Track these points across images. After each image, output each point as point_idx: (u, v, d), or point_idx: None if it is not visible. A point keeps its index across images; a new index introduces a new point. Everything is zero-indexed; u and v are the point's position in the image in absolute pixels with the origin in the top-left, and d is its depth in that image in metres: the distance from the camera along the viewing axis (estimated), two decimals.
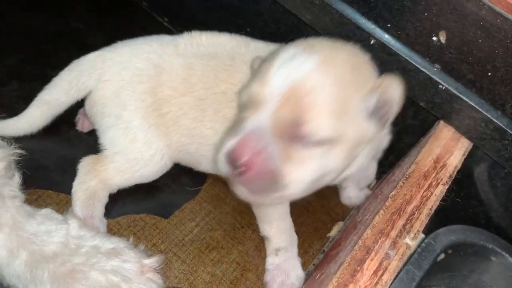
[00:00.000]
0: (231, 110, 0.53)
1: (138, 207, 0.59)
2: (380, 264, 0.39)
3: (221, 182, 0.62)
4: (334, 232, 0.62)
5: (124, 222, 0.57)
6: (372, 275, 0.38)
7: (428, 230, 0.48)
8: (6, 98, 0.63)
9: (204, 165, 0.58)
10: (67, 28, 0.73)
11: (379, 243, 0.40)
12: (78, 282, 0.48)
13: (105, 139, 0.56)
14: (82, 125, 0.62)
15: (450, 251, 0.52)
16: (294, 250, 0.56)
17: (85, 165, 0.56)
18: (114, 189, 0.57)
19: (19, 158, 0.53)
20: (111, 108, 0.55)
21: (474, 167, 0.55)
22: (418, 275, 0.46)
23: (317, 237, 0.61)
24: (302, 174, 0.40)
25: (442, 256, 0.51)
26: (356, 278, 0.38)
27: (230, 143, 0.40)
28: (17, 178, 0.52)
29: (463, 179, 0.54)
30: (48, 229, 0.50)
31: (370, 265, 0.39)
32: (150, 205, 0.59)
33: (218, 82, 0.54)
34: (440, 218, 0.50)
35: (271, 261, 0.55)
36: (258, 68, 0.45)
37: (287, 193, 0.40)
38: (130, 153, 0.55)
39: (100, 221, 0.55)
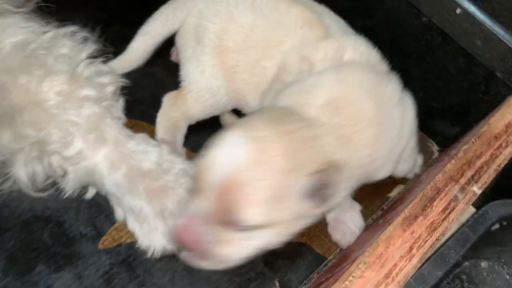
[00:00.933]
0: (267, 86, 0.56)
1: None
2: (449, 204, 0.43)
3: None
4: (394, 193, 0.66)
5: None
6: (440, 212, 0.42)
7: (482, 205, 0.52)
8: (110, 38, 0.70)
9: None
10: None
11: (449, 186, 0.43)
12: (167, 197, 0.55)
13: (184, 70, 0.64)
14: (176, 57, 0.69)
15: (505, 223, 0.55)
16: (349, 201, 0.59)
17: (169, 98, 0.64)
18: (193, 120, 0.64)
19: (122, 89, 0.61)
20: (190, 42, 0.62)
21: None
22: (472, 238, 0.50)
23: (377, 195, 0.66)
24: (237, 253, 0.45)
25: (497, 226, 0.54)
26: (426, 212, 0.42)
27: (175, 224, 0.45)
28: (121, 103, 0.59)
29: None
30: (145, 149, 0.57)
31: (440, 204, 0.42)
32: None
33: (268, 57, 0.57)
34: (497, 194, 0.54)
35: (331, 215, 0.60)
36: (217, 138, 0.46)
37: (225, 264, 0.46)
38: (201, 81, 0.62)
39: (180, 148, 0.63)
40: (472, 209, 0.55)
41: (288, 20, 0.57)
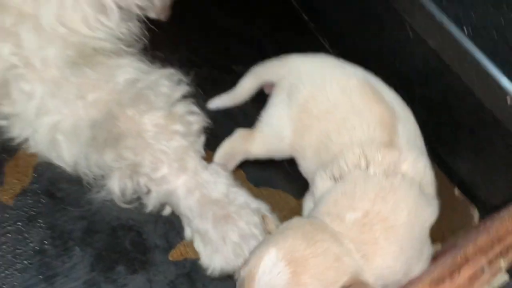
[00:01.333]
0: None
1: (275, 182, 0.74)
2: (475, 273, 0.49)
3: None
4: None
5: (264, 192, 0.73)
6: (467, 279, 0.48)
7: None
8: (199, 79, 0.81)
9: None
10: (250, 34, 0.91)
11: (477, 257, 0.50)
12: (229, 225, 0.64)
13: (265, 112, 0.72)
14: (269, 89, 0.77)
15: None
16: None
17: (240, 132, 0.73)
18: (251, 157, 0.72)
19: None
20: (282, 93, 0.71)
21: None
22: None
23: None
24: None
25: None
26: (453, 277, 0.48)
27: None
28: (203, 139, 0.70)
29: None
30: (216, 180, 0.67)
31: (467, 272, 0.49)
32: (286, 184, 0.74)
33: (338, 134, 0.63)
34: None
35: None
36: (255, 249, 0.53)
37: None
38: (274, 127, 0.70)
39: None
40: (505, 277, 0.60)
41: (367, 113, 0.63)
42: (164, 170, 0.64)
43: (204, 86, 0.79)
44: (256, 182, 0.73)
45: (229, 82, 0.82)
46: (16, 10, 0.64)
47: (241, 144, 0.72)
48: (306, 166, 0.68)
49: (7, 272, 0.60)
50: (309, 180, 0.68)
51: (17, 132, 0.67)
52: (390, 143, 0.60)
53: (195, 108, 0.70)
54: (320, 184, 0.61)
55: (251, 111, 0.77)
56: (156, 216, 0.67)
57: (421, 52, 0.74)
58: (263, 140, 0.71)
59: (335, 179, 0.59)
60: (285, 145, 0.70)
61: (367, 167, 0.58)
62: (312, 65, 0.72)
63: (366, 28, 0.86)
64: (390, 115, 0.63)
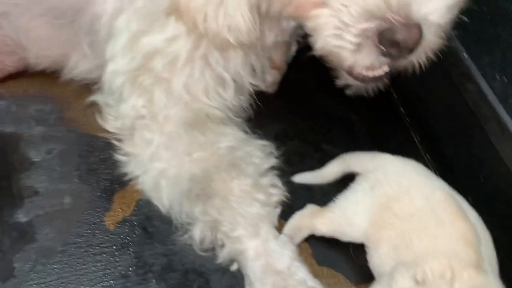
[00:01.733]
0: None
1: (338, 264, 0.79)
2: None
3: None
4: None
5: (325, 271, 0.78)
6: None
7: None
8: (288, 152, 0.90)
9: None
10: (345, 118, 0.99)
11: None
12: None
13: (343, 194, 0.78)
14: None
15: None
16: None
17: (311, 208, 0.79)
18: (317, 233, 0.77)
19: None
20: (365, 183, 0.76)
21: None
22: None
23: None
24: None
25: None
26: None
27: None
28: (278, 211, 0.78)
29: None
30: (282, 252, 0.74)
31: None
32: (348, 268, 0.78)
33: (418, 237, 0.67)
34: None
35: None
36: None
37: None
38: (348, 212, 0.75)
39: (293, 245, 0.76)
40: None
41: (450, 227, 0.66)
42: (240, 231, 0.73)
43: (292, 158, 0.88)
44: (319, 259, 0.79)
45: (316, 158, 0.91)
46: (156, 74, 0.78)
47: (309, 219, 0.78)
48: (377, 258, 0.72)
49: (95, 286, 0.72)
50: (374, 271, 0.73)
51: (131, 169, 0.81)
52: (477, 265, 0.63)
53: (278, 182, 0.79)
54: (400, 281, 0.64)
55: (330, 191, 0.83)
56: (225, 269, 0.75)
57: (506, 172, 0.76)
58: (332, 220, 0.77)
59: (417, 282, 0.63)
60: (354, 231, 0.75)
61: (452, 280, 0.61)
62: (401, 169, 0.77)
63: (455, 135, 0.89)
64: (473, 234, 0.66)
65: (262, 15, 0.71)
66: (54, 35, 0.86)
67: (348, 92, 0.77)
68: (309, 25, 0.65)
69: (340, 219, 0.77)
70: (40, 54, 0.89)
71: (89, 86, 0.89)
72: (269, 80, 0.94)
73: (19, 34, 0.86)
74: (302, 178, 0.86)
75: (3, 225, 0.74)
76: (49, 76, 0.92)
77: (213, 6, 0.67)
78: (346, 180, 0.82)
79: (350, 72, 0.69)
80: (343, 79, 0.73)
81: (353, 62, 0.63)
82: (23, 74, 0.92)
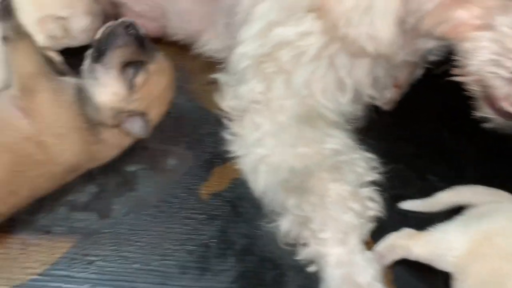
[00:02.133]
0: None
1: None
2: None
3: None
4: None
5: None
6: None
7: None
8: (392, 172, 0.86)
9: None
10: (458, 154, 0.93)
11: None
12: None
13: (448, 222, 0.73)
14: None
15: None
16: None
17: (408, 231, 0.74)
18: (412, 256, 0.73)
19: None
20: (479, 216, 0.72)
21: None
22: None
23: None
24: None
25: None
26: None
27: None
28: (371, 226, 0.75)
29: None
30: (365, 267, 0.71)
31: None
32: None
33: None
34: None
35: None
36: None
37: None
38: (448, 233, 0.70)
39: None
40: None
41: None
42: (328, 234, 0.71)
43: (393, 180, 0.84)
44: (400, 286, 0.75)
45: (418, 187, 0.86)
46: (280, 64, 0.80)
47: (405, 240, 0.74)
48: None
49: (177, 247, 0.74)
50: None
51: (234, 148, 0.84)
52: None
53: (377, 197, 0.76)
54: None
55: (427, 219, 0.78)
56: (302, 267, 0.74)
57: None
58: (429, 242, 0.72)
59: None
60: (451, 256, 0.70)
61: None
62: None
63: None
64: None
65: (404, 30, 0.70)
66: (196, 10, 0.92)
67: (487, 125, 0.73)
68: (465, 46, 0.62)
69: (438, 242, 0.72)
70: (179, 26, 0.95)
71: (213, 64, 0.94)
72: (388, 96, 0.92)
73: (168, 4, 0.92)
74: (410, 205, 0.81)
75: (114, 170, 0.81)
76: (180, 47, 0.99)
77: (359, 12, 0.67)
78: (445, 213, 0.78)
79: (492, 104, 0.65)
80: (482, 111, 0.69)
81: (506, 93, 0.59)
82: (158, 41, 0.99)
